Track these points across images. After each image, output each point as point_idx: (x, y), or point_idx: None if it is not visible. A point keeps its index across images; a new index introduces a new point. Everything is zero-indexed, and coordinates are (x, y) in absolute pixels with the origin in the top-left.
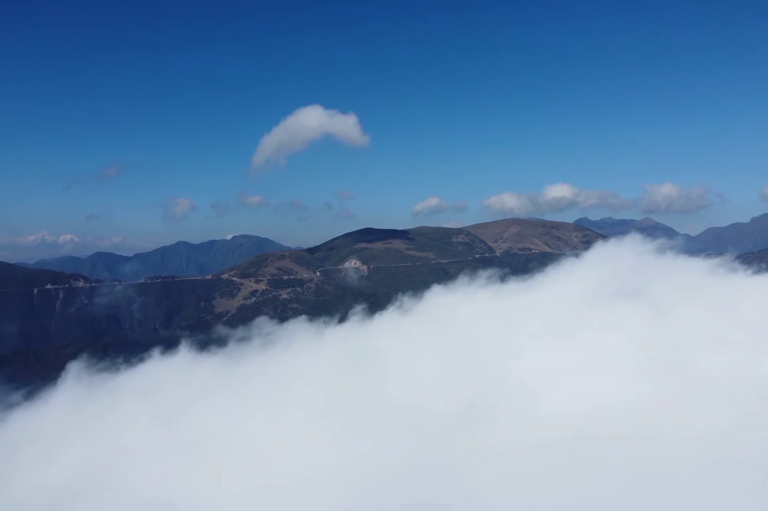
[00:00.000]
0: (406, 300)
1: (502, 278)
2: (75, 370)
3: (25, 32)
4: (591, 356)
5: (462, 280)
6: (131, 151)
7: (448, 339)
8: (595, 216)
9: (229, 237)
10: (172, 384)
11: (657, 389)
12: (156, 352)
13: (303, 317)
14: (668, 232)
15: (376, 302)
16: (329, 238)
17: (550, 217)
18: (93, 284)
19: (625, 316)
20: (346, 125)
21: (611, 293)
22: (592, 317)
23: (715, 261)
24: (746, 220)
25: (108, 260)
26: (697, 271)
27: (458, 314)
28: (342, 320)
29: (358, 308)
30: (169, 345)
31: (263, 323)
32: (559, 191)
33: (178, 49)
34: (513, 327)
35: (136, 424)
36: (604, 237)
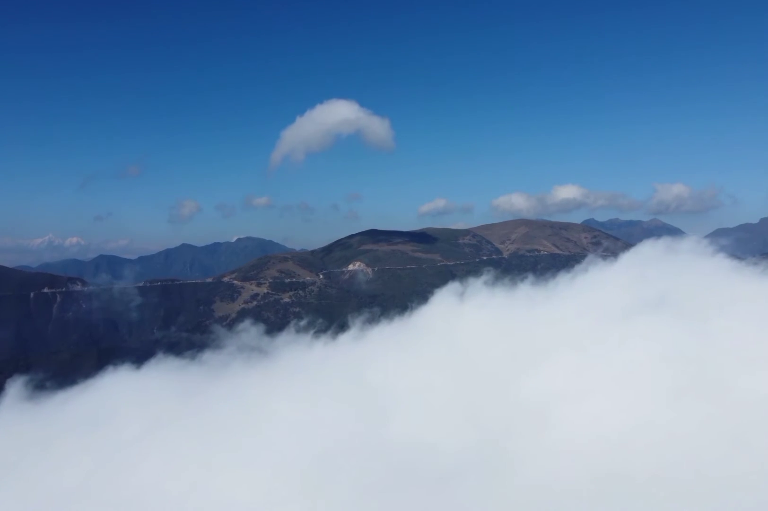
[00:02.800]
0: (411, 307)
1: (512, 282)
2: (15, 390)
3: (26, 32)
4: (617, 377)
5: (470, 284)
6: (138, 153)
7: (454, 356)
8: (602, 217)
9: (233, 239)
10: (128, 409)
11: (693, 416)
12: (126, 363)
13: (302, 322)
14: (676, 234)
15: (380, 305)
16: (334, 240)
17: (557, 218)
18: (91, 288)
19: (654, 329)
20: (360, 126)
21: (639, 302)
22: (617, 330)
23: (743, 263)
24: (755, 220)
25: (111, 263)
26: (727, 275)
27: (466, 326)
28: (343, 326)
29: (362, 312)
30: (154, 353)
31: (254, 332)
32: (568, 192)
33: (182, 50)
34: (528, 342)
35: (74, 464)
36: (615, 238)
